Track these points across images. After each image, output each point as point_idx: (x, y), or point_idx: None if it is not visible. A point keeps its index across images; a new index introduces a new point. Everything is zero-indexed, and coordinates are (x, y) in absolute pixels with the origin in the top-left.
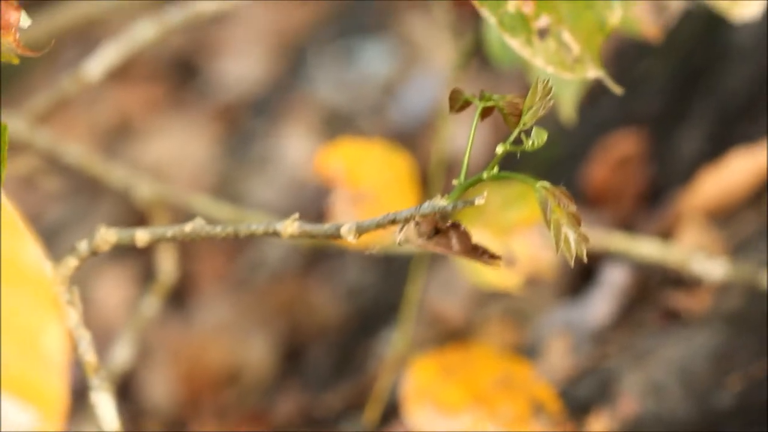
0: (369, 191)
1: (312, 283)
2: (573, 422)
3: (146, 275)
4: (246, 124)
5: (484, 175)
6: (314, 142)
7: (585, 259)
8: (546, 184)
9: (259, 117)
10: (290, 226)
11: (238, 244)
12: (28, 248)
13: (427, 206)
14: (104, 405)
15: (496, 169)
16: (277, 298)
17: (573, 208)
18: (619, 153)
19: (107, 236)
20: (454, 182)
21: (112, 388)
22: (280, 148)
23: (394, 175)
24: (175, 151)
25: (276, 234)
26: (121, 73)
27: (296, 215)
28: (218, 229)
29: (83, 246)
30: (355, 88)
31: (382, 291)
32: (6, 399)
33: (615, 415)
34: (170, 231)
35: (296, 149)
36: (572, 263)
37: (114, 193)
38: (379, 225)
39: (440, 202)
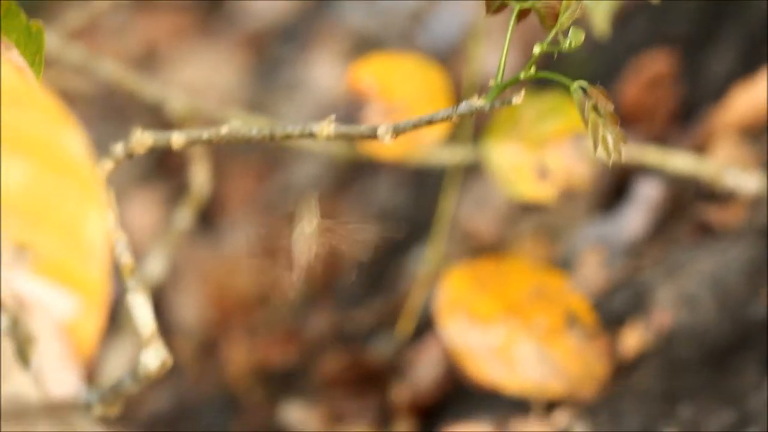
0: (402, 104)
1: (343, 203)
2: (607, 334)
3: (175, 199)
4: (274, 51)
5: (522, 75)
6: (343, 67)
7: (622, 160)
8: (583, 83)
9: (288, 44)
10: (326, 128)
11: (268, 166)
12: (73, 139)
13: (465, 106)
14: (140, 306)
15: (533, 70)
16: None
17: (610, 107)
18: (651, 72)
19: (143, 139)
20: (491, 83)
21: (147, 291)
22: (308, 74)
23: (427, 88)
24: (203, 78)
25: (312, 135)
26: (148, 3)
27: (332, 116)
28: (254, 131)
29: (119, 148)
30: (384, 14)
31: (414, 210)
32: (49, 286)
33: (649, 326)
34: (206, 133)
35: (325, 75)
36: (610, 164)
37: (142, 119)
38: (416, 126)
39: (477, 102)
